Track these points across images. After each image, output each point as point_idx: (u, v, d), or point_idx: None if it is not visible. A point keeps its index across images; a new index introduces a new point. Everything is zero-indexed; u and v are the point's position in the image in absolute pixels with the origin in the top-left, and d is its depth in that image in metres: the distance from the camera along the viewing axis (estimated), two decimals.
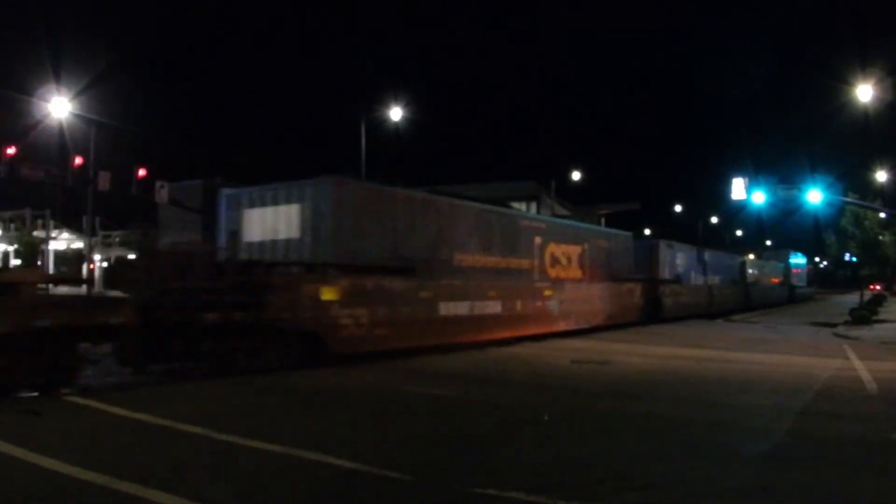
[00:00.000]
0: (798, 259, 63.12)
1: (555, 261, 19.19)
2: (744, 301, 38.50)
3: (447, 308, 14.76)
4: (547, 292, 18.53)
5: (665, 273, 27.86)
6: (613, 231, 24.49)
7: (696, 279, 32.10)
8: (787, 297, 51.17)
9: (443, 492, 5.23)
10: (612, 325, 21.43)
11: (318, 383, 10.35)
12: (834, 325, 26.27)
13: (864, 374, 12.07)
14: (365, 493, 5.23)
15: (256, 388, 9.69)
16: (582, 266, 20.67)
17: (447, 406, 8.91)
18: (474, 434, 7.25)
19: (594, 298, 21.11)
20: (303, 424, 7.62)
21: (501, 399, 9.39)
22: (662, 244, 28.87)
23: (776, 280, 51.53)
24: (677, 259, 29.60)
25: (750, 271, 42.81)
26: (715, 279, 34.85)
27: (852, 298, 43.63)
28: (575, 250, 20.45)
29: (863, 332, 22.95)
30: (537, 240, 18.56)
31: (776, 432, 7.40)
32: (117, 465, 5.58)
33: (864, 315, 28.26)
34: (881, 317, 30.70)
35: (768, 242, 58.51)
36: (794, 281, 58.28)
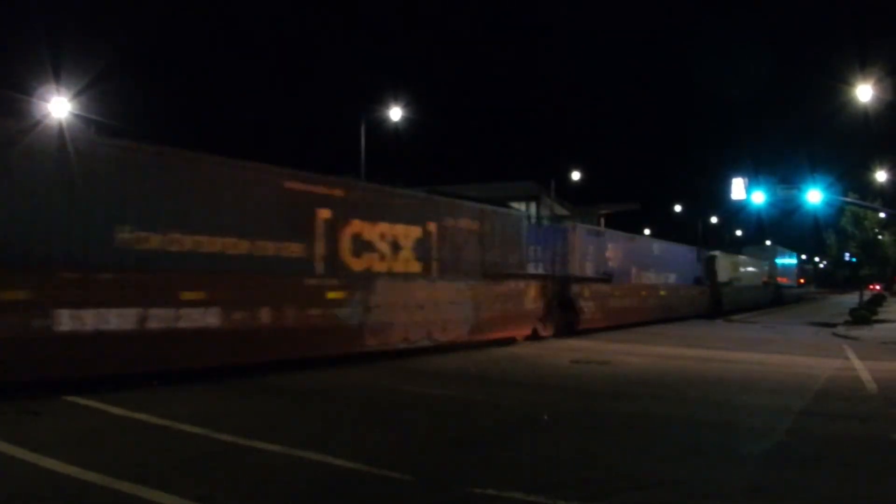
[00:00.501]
0: (787, 258, 58.36)
1: (363, 247, 12.94)
2: (711, 303, 32.44)
3: (79, 319, 8.90)
4: (334, 294, 12.20)
5: (586, 269, 21.03)
6: (489, 208, 17.16)
7: (641, 277, 25.56)
8: (771, 299, 45.43)
9: (443, 492, 5.23)
10: (485, 342, 15.52)
11: (318, 383, 10.35)
12: (834, 326, 26.29)
13: (864, 374, 12.08)
14: (365, 493, 5.23)
15: (256, 389, 9.69)
16: (423, 256, 14.26)
17: (447, 406, 8.92)
18: (474, 434, 7.26)
19: (443, 303, 14.58)
20: (302, 424, 7.63)
21: (501, 399, 9.40)
22: (581, 230, 21.78)
23: (760, 279, 45.30)
24: (608, 251, 22.87)
25: (723, 269, 36.42)
26: (671, 277, 28.50)
27: (852, 298, 43.68)
28: (409, 232, 14.00)
29: (862, 332, 22.96)
30: (323, 214, 12.17)
31: (776, 432, 7.41)
32: (117, 465, 5.58)
33: (864, 315, 28.29)
34: (881, 317, 30.75)
35: (768, 242, 57.92)
36: (786, 280, 54.34)
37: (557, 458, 6.26)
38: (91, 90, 22.03)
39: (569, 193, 43.73)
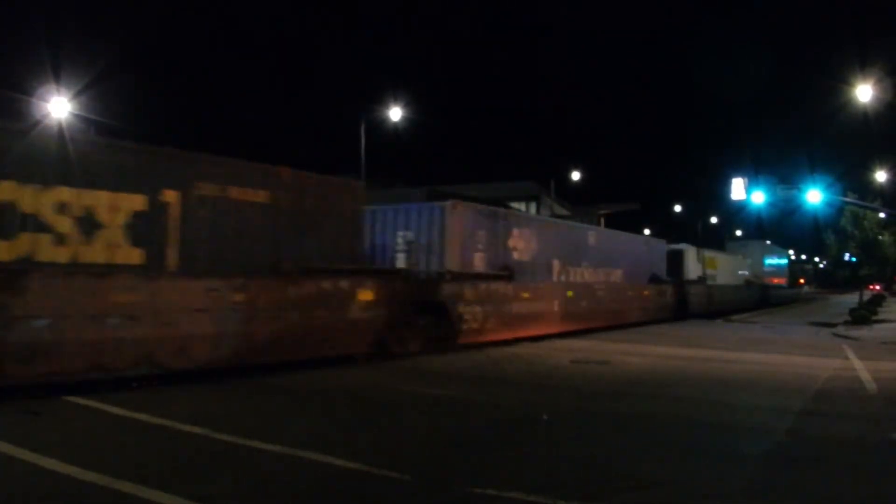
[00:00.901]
0: (777, 256, 54.18)
1: (20, 223, 8.77)
2: (675, 306, 27.34)
3: None
4: None
5: (474, 262, 15.93)
6: (293, 172, 12.16)
7: (568, 274, 20.09)
8: (755, 301, 40.70)
9: (443, 492, 5.23)
10: (276, 365, 10.69)
11: (318, 383, 10.35)
12: (833, 326, 26.30)
13: (864, 374, 12.08)
14: (365, 493, 5.23)
15: (256, 389, 9.70)
16: (150, 240, 9.92)
17: (447, 406, 8.92)
18: (474, 434, 7.26)
19: (182, 311, 9.74)
20: (302, 424, 7.62)
21: (501, 399, 9.40)
22: (465, 210, 15.91)
23: (742, 279, 40.59)
24: (512, 240, 17.39)
25: (692, 266, 31.32)
26: (615, 274, 23.16)
27: (851, 298, 43.68)
28: (121, 203, 9.62)
29: (862, 332, 22.97)
30: None
31: (776, 432, 7.41)
32: (117, 465, 5.59)
33: (864, 315, 28.30)
34: (881, 317, 30.79)
35: (768, 242, 57.70)
36: (776, 281, 50.85)
37: (557, 458, 6.26)
38: (91, 90, 22.06)
39: (569, 193, 43.88)
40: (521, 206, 35.64)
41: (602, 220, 40.75)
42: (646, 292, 25.47)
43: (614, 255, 23.42)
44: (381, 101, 27.02)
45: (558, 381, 11.21)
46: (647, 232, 46.83)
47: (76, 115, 21.52)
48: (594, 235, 22.86)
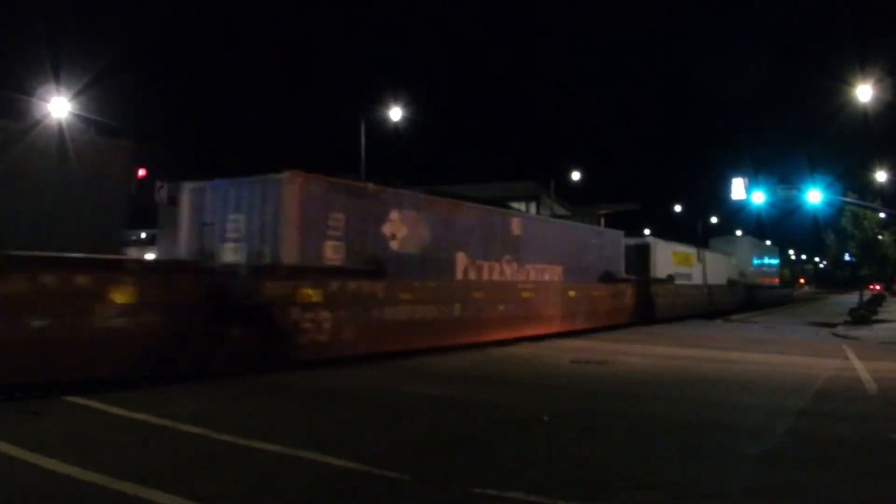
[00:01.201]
0: (767, 255, 50.24)
1: None
2: (638, 308, 24.30)
3: None
4: None
5: (325, 252, 12.36)
6: None
7: (480, 270, 16.25)
8: (742, 302, 37.58)
9: (443, 492, 5.23)
10: None
11: (318, 384, 10.35)
12: (833, 326, 26.32)
13: (864, 375, 12.09)
14: (365, 493, 5.23)
15: (256, 389, 9.69)
16: None
17: (447, 406, 8.91)
18: (474, 434, 7.26)
19: None
20: (302, 424, 7.63)
21: (501, 399, 9.40)
22: (309, 185, 12.27)
23: (724, 278, 36.53)
24: (389, 225, 13.76)
25: (662, 263, 27.45)
26: (551, 272, 19.02)
27: (851, 298, 43.71)
28: None
29: (862, 332, 22.99)
30: None
31: (776, 432, 7.41)
32: (117, 465, 5.58)
33: (864, 315, 28.33)
34: (881, 317, 30.83)
35: (768, 242, 57.49)
36: (767, 280, 48.49)
37: (557, 458, 6.26)
38: (91, 90, 22.05)
39: (569, 193, 43.86)
40: (521, 205, 35.66)
41: (602, 220, 40.76)
42: (595, 293, 21.50)
43: (551, 249, 19.29)
44: (381, 101, 27.01)
45: (558, 380, 11.21)
46: (647, 232, 46.70)
47: (76, 115, 21.52)
48: (520, 223, 18.25)
